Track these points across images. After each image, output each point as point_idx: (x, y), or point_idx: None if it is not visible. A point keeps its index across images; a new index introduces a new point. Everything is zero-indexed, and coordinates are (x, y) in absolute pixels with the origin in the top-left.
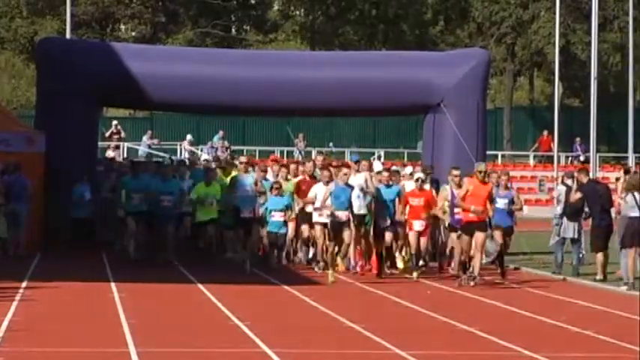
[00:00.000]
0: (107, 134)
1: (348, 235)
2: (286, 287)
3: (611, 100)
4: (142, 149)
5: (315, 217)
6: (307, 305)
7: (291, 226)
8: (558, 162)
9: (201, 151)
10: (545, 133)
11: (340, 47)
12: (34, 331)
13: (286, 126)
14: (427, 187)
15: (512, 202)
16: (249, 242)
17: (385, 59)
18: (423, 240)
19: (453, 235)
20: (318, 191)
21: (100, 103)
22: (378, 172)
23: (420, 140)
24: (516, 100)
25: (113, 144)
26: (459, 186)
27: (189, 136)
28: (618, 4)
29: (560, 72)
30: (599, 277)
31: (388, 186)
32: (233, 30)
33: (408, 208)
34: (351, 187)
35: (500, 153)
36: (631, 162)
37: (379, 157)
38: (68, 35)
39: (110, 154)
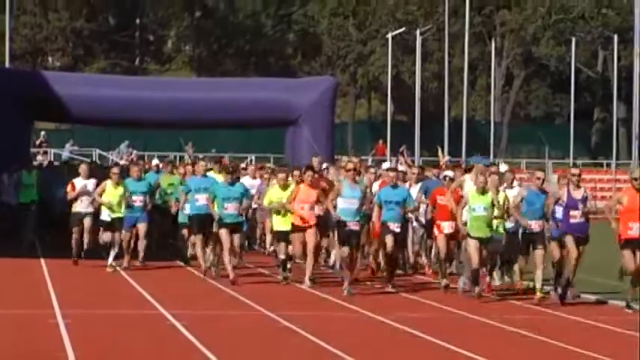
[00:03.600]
0: (37, 142)
1: (541, 252)
2: (188, 268)
3: (431, 115)
4: (65, 154)
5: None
6: (200, 280)
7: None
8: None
9: (112, 155)
10: (381, 141)
11: (221, 75)
12: None
13: (179, 136)
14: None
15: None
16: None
17: (256, 84)
18: (453, 243)
19: (553, 246)
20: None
21: (32, 117)
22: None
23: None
24: (358, 116)
25: (42, 150)
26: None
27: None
28: (436, 42)
29: (392, 94)
30: None
31: (394, 187)
32: (137, 61)
33: (436, 208)
34: (546, 193)
35: (345, 158)
36: None
37: (250, 160)
38: (7, 65)
39: (39, 158)
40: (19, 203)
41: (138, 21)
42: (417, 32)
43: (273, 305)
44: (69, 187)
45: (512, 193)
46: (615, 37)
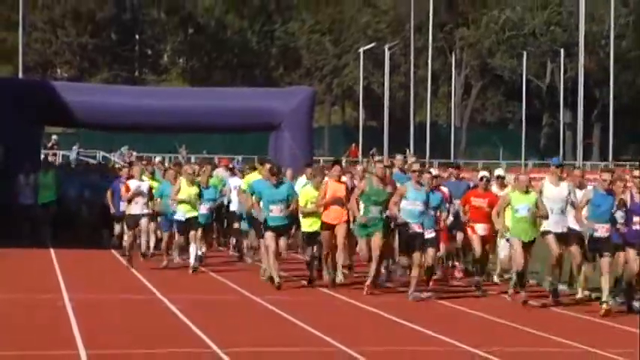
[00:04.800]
0: (49, 145)
1: (607, 259)
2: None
3: (398, 121)
4: (72, 156)
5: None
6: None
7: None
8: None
9: (114, 157)
10: (353, 145)
11: (212, 85)
12: None
13: (173, 139)
14: (494, 188)
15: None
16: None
17: (243, 93)
18: (489, 246)
19: (624, 255)
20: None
21: (43, 122)
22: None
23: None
24: (333, 121)
25: (52, 152)
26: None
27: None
28: (402, 56)
29: (364, 102)
30: None
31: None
32: (136, 72)
33: (469, 209)
34: (613, 195)
35: (321, 159)
36: None
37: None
38: (20, 75)
39: (50, 159)
40: (38, 204)
41: (137, 37)
42: (386, 47)
43: (261, 291)
44: (123, 189)
45: (579, 194)
46: (562, 51)
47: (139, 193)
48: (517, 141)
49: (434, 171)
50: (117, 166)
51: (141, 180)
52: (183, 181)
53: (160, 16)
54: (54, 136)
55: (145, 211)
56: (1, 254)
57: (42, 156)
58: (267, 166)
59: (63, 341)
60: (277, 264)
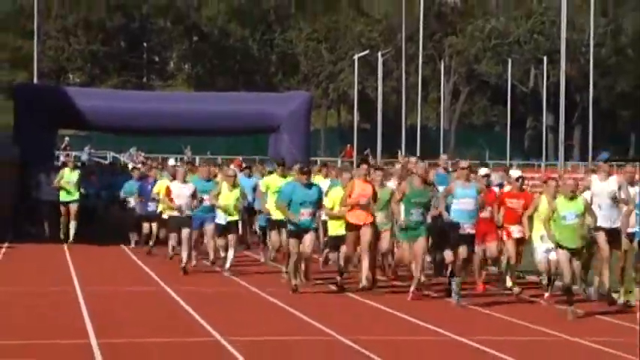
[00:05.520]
0: (62, 147)
1: None
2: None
3: (391, 123)
4: (84, 156)
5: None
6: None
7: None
8: (357, 166)
9: (123, 157)
10: (349, 145)
11: (215, 90)
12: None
13: (178, 141)
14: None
15: None
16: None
17: (244, 98)
18: (521, 248)
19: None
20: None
21: (56, 125)
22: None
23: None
24: (329, 124)
25: (65, 152)
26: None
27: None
28: (394, 63)
29: (358, 106)
30: None
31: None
32: (144, 78)
33: (503, 210)
34: None
35: (318, 159)
36: None
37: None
38: (35, 81)
39: (63, 159)
40: (60, 202)
41: (145, 45)
42: (379, 54)
43: (262, 284)
44: (164, 192)
45: (631, 191)
46: (545, 58)
47: (178, 207)
48: (502, 142)
49: (486, 170)
50: (135, 166)
51: (185, 182)
52: (224, 185)
53: (166, 25)
54: (66, 138)
55: (188, 212)
56: (16, 249)
57: (61, 157)
58: (297, 165)
59: (75, 331)
60: (302, 266)
